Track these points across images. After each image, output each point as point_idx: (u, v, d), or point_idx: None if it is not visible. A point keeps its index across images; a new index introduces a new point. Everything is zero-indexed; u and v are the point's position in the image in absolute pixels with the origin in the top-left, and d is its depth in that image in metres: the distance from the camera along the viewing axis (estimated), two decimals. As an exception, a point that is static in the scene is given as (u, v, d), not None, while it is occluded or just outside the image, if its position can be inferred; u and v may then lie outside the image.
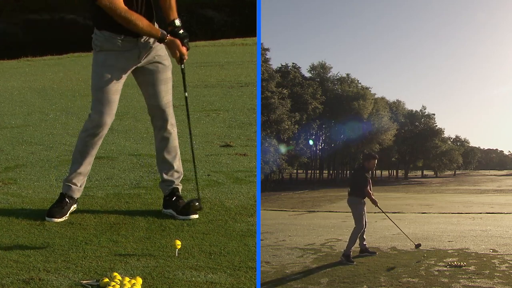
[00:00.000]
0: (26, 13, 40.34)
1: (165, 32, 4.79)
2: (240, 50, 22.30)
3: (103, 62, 4.86)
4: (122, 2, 4.63)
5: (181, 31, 4.83)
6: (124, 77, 4.94)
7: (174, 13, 4.85)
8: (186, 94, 5.01)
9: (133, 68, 4.94)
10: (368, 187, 6.60)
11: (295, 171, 46.60)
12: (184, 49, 4.81)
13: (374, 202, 6.66)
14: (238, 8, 40.46)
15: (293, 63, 45.68)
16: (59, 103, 12.01)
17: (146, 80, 4.98)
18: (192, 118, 10.23)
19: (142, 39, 4.84)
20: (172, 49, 4.81)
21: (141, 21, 4.66)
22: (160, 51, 4.96)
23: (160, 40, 4.78)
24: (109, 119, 4.91)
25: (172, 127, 5.11)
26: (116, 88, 4.88)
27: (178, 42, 4.78)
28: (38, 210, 5.18)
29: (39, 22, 39.91)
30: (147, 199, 5.56)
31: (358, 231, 6.54)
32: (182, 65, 4.88)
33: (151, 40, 4.88)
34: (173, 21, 4.82)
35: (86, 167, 5.07)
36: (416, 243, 7.22)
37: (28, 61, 21.92)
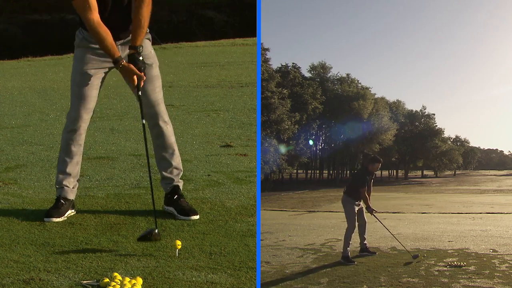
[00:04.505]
0: (26, 13, 40.36)
1: (121, 58, 4.75)
2: (240, 50, 22.34)
3: (80, 58, 4.93)
4: (96, 13, 4.65)
5: (140, 58, 4.78)
6: (101, 74, 4.95)
7: (139, 39, 4.77)
8: (144, 121, 4.96)
9: (113, 66, 4.93)
10: (365, 189, 6.47)
11: (295, 171, 46.54)
12: (142, 74, 4.76)
13: (369, 208, 6.54)
14: (238, 9, 40.46)
15: (293, 63, 45.57)
16: (59, 103, 12.02)
17: None
18: (192, 118, 10.29)
19: (118, 42, 4.85)
20: (126, 75, 4.78)
21: (106, 39, 4.68)
22: (143, 50, 4.92)
23: (114, 62, 4.77)
24: (85, 114, 4.94)
25: (165, 124, 5.10)
26: (91, 84, 4.90)
27: (133, 67, 4.74)
28: (38, 210, 5.19)
29: (39, 22, 39.92)
30: (147, 199, 5.55)
31: (350, 230, 6.50)
32: (139, 91, 4.83)
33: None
34: (135, 47, 4.76)
35: (74, 167, 5.08)
36: (413, 255, 6.56)
37: (28, 61, 21.96)
